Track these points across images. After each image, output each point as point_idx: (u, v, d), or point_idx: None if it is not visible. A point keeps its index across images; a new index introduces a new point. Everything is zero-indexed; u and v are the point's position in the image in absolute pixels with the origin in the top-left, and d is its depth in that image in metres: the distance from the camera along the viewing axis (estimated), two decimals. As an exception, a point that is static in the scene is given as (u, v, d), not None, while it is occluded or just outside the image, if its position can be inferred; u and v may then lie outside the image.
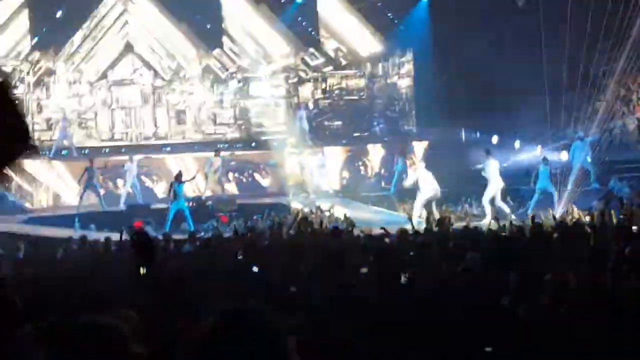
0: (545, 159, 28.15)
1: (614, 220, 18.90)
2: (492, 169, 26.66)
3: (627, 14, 26.48)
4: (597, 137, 29.43)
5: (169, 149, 35.33)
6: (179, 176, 27.80)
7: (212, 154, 32.37)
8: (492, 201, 26.61)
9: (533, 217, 20.13)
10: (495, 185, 26.62)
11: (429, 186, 26.49)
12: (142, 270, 11.21)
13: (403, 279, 10.50)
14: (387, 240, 16.76)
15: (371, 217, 27.51)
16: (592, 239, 14.19)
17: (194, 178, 29.85)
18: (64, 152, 33.86)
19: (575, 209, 24.70)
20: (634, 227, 16.55)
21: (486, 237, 16.16)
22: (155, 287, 8.14)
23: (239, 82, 36.75)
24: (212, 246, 17.74)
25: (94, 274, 13.43)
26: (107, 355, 3.24)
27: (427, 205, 26.59)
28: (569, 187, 27.77)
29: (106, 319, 3.40)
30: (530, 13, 29.89)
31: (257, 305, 3.17)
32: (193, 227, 26.71)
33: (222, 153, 32.48)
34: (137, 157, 32.92)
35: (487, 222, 24.18)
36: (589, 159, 29.25)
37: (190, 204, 29.23)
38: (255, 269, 12.12)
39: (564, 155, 30.25)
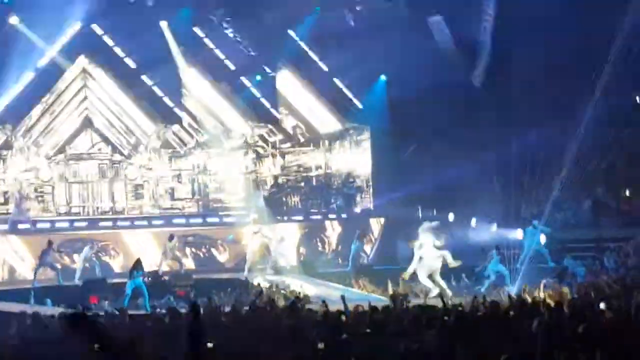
0: (497, 247, 28.49)
1: (568, 297, 19.13)
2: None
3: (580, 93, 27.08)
4: (547, 229, 29.89)
5: (127, 223, 35.18)
6: (137, 264, 27.59)
7: (168, 228, 32.36)
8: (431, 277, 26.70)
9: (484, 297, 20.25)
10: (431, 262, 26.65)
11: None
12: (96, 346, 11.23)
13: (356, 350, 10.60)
14: (343, 317, 16.78)
15: (328, 293, 27.49)
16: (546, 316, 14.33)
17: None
18: (19, 226, 33.59)
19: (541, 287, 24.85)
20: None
21: (443, 315, 16.24)
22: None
23: (197, 157, 36.82)
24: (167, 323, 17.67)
25: (45, 350, 13.37)
26: None
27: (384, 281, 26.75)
28: (522, 266, 28.13)
29: None
30: (486, 93, 30.45)
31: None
32: (148, 304, 26.59)
33: (176, 235, 32.39)
34: (95, 232, 32.77)
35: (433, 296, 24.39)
36: (542, 243, 29.70)
37: (147, 278, 29.07)
38: (210, 345, 12.13)
39: (518, 234, 30.60)
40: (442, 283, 26.42)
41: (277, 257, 32.60)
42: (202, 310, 21.19)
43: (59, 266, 31.60)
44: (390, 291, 25.90)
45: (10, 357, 12.69)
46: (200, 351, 5.75)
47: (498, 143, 28.45)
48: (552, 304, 17.07)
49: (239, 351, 11.98)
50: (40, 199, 35.53)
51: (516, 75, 30.02)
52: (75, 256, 33.07)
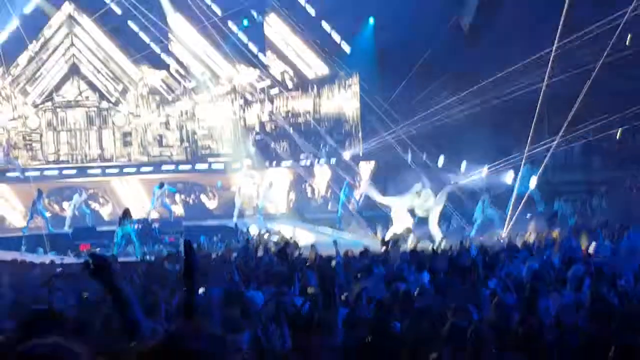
0: (488, 191, 28.53)
1: (558, 241, 19.18)
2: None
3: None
4: (537, 169, 29.94)
5: (116, 170, 35.13)
6: (126, 214, 27.63)
7: (157, 176, 32.35)
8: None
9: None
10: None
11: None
12: (85, 295, 11.21)
13: (343, 298, 10.61)
14: (332, 262, 16.82)
15: (318, 238, 27.59)
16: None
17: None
18: (8, 175, 33.55)
19: (531, 230, 24.93)
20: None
21: (434, 258, 16.30)
22: (105, 309, 8.13)
23: (185, 104, 36.69)
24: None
25: (40, 297, 13.35)
26: None
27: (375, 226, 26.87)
28: (514, 210, 28.20)
29: (61, 340, 3.43)
30: (474, 36, 30.28)
31: (204, 325, 3.23)
32: (139, 251, 26.70)
33: (167, 175, 32.50)
34: (82, 180, 32.75)
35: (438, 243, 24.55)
36: (532, 186, 29.70)
37: (137, 226, 29.12)
38: (201, 290, 12.11)
39: (509, 177, 30.62)
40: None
41: (266, 203, 32.62)
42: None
43: (48, 214, 31.64)
44: (380, 236, 25.98)
45: (1, 306, 12.65)
46: (195, 287, 5.74)
47: (488, 84, 28.31)
48: (542, 247, 17.15)
49: (227, 297, 11.96)
50: (28, 147, 35.42)
51: (506, 14, 29.81)
52: (65, 204, 33.10)
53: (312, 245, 22.17)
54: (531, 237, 23.23)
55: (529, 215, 28.02)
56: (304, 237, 27.97)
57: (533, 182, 30.20)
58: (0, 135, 34.64)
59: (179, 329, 3.39)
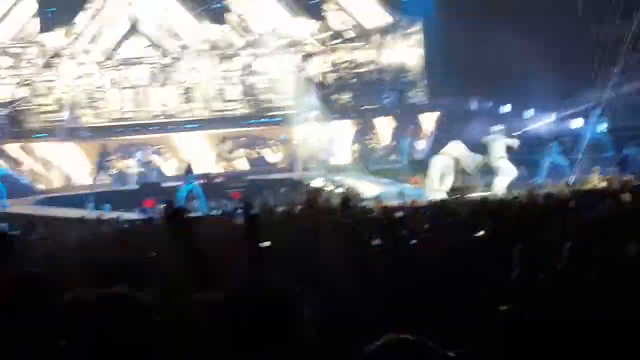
0: (557, 138, 28.03)
1: (630, 186, 18.71)
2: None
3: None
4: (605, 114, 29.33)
5: (179, 127, 35.19)
6: (189, 170, 27.85)
7: (220, 131, 32.38)
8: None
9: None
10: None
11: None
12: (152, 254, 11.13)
13: (413, 244, 10.43)
14: (400, 213, 16.64)
15: (383, 189, 27.40)
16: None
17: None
18: (74, 133, 33.79)
19: (596, 176, 24.44)
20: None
21: (500, 207, 16.01)
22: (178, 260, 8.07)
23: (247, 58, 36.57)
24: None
25: (108, 251, 13.38)
26: (128, 323, 3.23)
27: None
28: (583, 155, 27.71)
29: (126, 290, 3.38)
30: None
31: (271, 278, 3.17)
32: (205, 205, 26.82)
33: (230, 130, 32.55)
34: (146, 136, 32.90)
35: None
36: (602, 129, 29.15)
37: (201, 181, 29.19)
38: (266, 243, 12.00)
39: (578, 123, 30.10)
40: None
41: (330, 155, 32.43)
42: (256, 210, 21.27)
43: (114, 171, 31.87)
44: (450, 185, 25.74)
45: (70, 261, 12.69)
46: (256, 247, 5.69)
47: (557, 30, 27.74)
48: (614, 193, 16.75)
49: (293, 251, 11.86)
50: (93, 105, 35.59)
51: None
52: (130, 161, 33.25)
53: (377, 197, 22.04)
54: (601, 183, 22.77)
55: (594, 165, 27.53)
56: (368, 188, 27.79)
57: (602, 127, 29.66)
58: (64, 95, 34.81)
59: (247, 280, 3.32)
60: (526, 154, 28.40)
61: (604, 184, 21.06)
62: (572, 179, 25.67)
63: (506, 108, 32.53)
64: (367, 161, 32.99)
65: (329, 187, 27.84)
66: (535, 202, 16.23)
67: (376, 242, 11.42)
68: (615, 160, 27.65)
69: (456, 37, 32.52)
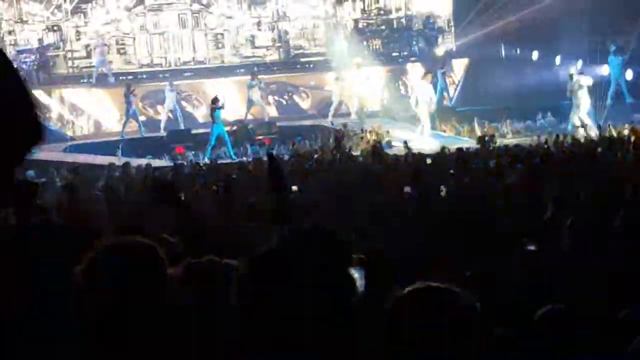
0: (581, 74, 27.84)
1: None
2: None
3: None
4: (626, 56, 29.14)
5: (209, 73, 35.22)
6: (215, 100, 27.89)
7: (250, 77, 32.39)
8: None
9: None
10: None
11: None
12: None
13: (443, 192, 10.52)
14: (428, 160, 16.72)
15: (412, 136, 27.44)
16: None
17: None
18: (103, 79, 33.89)
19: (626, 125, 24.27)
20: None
21: (529, 153, 16.05)
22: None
23: (276, 4, 36.45)
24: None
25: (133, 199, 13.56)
26: (143, 275, 3.27)
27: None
28: (608, 101, 27.66)
29: (142, 241, 3.42)
30: None
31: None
32: (233, 152, 26.96)
33: (261, 76, 32.55)
34: (176, 83, 32.93)
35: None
36: (625, 73, 29.00)
37: (231, 127, 29.28)
38: (295, 187, 12.16)
39: (604, 70, 29.93)
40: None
41: (361, 101, 32.36)
42: (288, 157, 21.38)
43: (143, 118, 31.99)
44: (478, 132, 25.77)
45: (95, 209, 12.87)
46: (283, 194, 5.75)
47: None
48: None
49: (324, 196, 11.97)
50: (122, 51, 35.65)
51: None
52: (159, 107, 33.35)
53: (405, 142, 22.10)
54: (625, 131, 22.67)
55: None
56: (399, 134, 27.82)
57: (629, 74, 29.48)
58: (94, 40, 34.87)
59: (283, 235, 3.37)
60: (555, 100, 28.33)
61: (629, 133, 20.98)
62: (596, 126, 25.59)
63: (534, 55, 32.37)
64: (398, 107, 32.91)
65: (360, 133, 27.91)
66: (562, 149, 16.29)
67: (407, 189, 11.53)
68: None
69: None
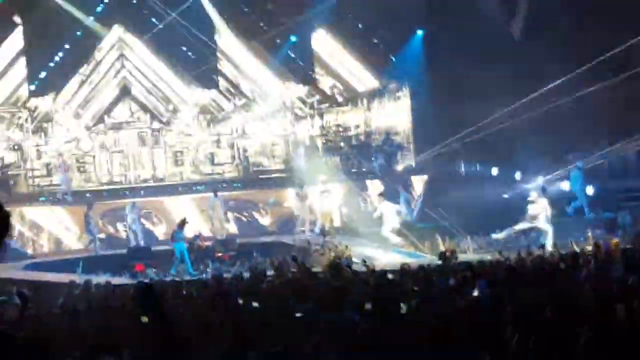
0: (543, 188, 28.09)
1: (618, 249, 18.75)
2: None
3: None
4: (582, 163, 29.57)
5: (168, 190, 35.19)
6: (182, 223, 28.03)
7: (210, 194, 32.42)
8: None
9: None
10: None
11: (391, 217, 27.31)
12: (144, 319, 11.11)
13: (404, 308, 10.41)
14: (389, 275, 16.64)
15: (373, 252, 27.39)
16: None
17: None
18: (65, 197, 33.80)
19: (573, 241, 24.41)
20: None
21: (491, 269, 16.05)
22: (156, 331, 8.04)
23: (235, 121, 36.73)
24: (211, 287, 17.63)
25: (94, 317, 13.36)
26: None
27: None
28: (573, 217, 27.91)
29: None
30: (526, 46, 29.99)
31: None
32: (192, 269, 26.82)
33: (220, 193, 32.58)
34: (137, 199, 32.90)
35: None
36: (587, 189, 29.31)
37: (190, 245, 29.14)
38: (255, 304, 12.03)
39: (564, 185, 30.23)
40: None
41: (319, 218, 32.41)
42: (248, 274, 21.20)
43: (102, 235, 31.83)
44: (441, 248, 25.79)
45: (55, 326, 12.68)
46: (233, 312, 5.69)
47: (540, 94, 27.95)
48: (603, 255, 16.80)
49: (283, 313, 11.84)
50: (82, 169, 35.65)
51: (557, 24, 29.49)
52: (119, 225, 33.20)
53: (363, 260, 21.99)
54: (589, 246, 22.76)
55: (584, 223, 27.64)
56: (359, 251, 27.75)
57: (590, 190, 29.75)
58: (54, 159, 34.88)
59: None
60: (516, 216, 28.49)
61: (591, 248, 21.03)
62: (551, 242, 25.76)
63: (493, 171, 32.71)
64: (357, 223, 32.94)
65: (319, 250, 27.82)
66: (525, 265, 16.29)
67: (368, 306, 11.42)
68: (602, 221, 27.75)
69: (443, 102, 32.76)
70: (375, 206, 31.16)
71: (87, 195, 34.19)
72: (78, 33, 34.47)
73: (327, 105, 37.37)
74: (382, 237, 29.40)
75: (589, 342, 7.52)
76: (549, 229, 26.49)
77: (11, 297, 19.40)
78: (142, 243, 31.59)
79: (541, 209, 26.74)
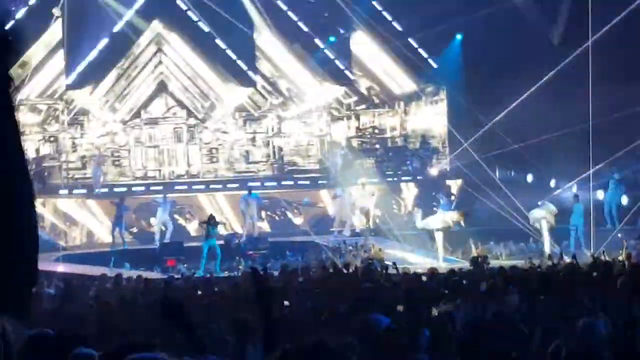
0: (576, 196, 27.97)
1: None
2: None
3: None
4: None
5: (202, 187, 35.27)
6: (211, 218, 28.02)
7: (243, 192, 32.45)
8: None
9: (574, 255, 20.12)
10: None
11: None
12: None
13: (435, 312, 10.35)
14: (423, 278, 16.59)
15: (405, 255, 27.34)
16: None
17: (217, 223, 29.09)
18: (97, 191, 33.89)
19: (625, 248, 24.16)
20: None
21: (523, 276, 15.90)
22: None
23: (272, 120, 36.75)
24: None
25: (126, 312, 13.39)
26: None
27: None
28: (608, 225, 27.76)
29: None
30: (566, 51, 29.76)
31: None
32: (219, 269, 26.81)
33: (255, 191, 32.59)
34: (170, 195, 32.95)
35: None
36: (622, 199, 29.10)
37: (223, 242, 29.17)
38: (286, 303, 11.99)
39: (599, 195, 29.98)
40: None
41: (353, 219, 32.40)
42: (276, 273, 21.20)
43: (135, 230, 31.96)
44: (474, 253, 25.70)
45: (88, 319, 12.71)
46: (271, 311, 5.62)
47: (578, 101, 27.73)
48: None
49: (314, 314, 11.80)
50: (116, 163, 35.77)
51: (596, 30, 29.19)
52: (152, 220, 33.29)
53: (394, 263, 21.89)
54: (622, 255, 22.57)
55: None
56: (391, 253, 27.69)
57: (624, 200, 29.52)
58: (89, 152, 35.04)
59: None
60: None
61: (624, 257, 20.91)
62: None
63: (528, 178, 32.57)
64: (391, 226, 32.86)
65: (352, 250, 27.80)
66: (557, 271, 16.14)
67: (399, 308, 11.36)
68: (637, 232, 27.52)
69: (480, 107, 32.56)
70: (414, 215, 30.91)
71: (119, 190, 34.23)
72: (117, 27, 34.56)
73: (363, 106, 37.32)
74: (419, 231, 29.48)
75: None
76: (547, 236, 26.56)
77: (46, 288, 19.52)
78: (168, 238, 31.51)
79: (546, 214, 26.70)
